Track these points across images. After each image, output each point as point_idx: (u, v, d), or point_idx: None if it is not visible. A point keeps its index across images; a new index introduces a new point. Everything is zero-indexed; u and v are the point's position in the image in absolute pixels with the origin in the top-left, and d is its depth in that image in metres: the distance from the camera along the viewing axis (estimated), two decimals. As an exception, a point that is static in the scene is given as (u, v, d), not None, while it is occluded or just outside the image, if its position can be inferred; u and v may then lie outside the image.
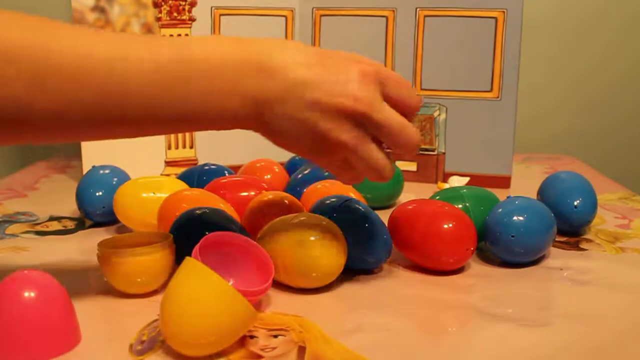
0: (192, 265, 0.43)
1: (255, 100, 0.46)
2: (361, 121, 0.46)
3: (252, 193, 0.66)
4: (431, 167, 0.91)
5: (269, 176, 0.76)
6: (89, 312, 0.49)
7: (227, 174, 0.74)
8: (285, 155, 0.86)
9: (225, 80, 0.45)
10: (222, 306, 0.42)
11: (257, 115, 0.46)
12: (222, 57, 0.45)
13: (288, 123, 0.46)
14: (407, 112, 0.49)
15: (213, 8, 0.89)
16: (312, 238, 0.52)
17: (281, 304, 0.51)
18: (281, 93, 0.45)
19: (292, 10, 0.92)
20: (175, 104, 0.45)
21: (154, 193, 0.65)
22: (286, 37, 0.92)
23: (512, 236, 0.57)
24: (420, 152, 0.91)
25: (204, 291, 0.42)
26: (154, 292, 0.52)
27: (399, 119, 0.47)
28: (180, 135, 0.90)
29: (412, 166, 0.91)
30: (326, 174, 0.73)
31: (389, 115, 0.47)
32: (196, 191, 0.64)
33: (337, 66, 0.46)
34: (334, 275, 0.53)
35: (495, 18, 0.85)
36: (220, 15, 0.89)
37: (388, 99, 0.48)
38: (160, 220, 0.61)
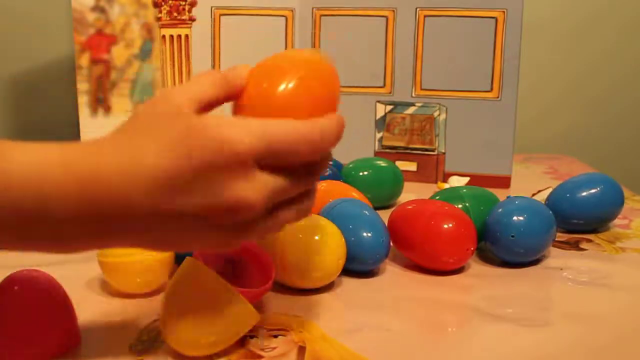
0: (192, 265, 0.43)
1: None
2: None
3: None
4: (431, 167, 0.91)
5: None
6: (89, 312, 0.49)
7: None
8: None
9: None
10: (222, 306, 0.42)
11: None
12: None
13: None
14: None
15: (213, 8, 0.89)
16: (312, 238, 0.52)
17: (281, 304, 0.51)
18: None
19: (292, 10, 0.92)
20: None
21: None
22: (286, 37, 0.92)
23: (512, 236, 0.57)
24: (421, 152, 0.91)
25: (204, 291, 0.42)
26: (154, 292, 0.52)
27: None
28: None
29: (412, 166, 0.91)
30: (327, 173, 0.73)
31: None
32: None
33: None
34: (334, 275, 0.53)
35: (495, 18, 0.85)
36: (220, 15, 0.89)
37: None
38: None
